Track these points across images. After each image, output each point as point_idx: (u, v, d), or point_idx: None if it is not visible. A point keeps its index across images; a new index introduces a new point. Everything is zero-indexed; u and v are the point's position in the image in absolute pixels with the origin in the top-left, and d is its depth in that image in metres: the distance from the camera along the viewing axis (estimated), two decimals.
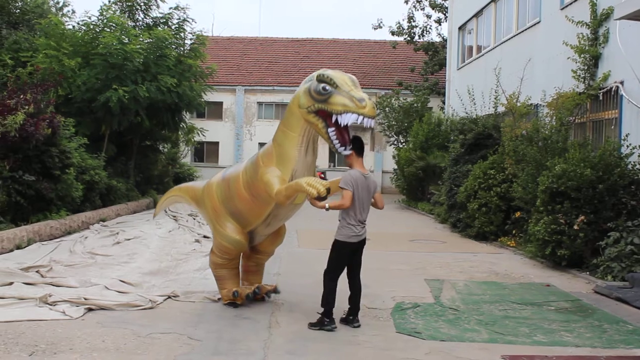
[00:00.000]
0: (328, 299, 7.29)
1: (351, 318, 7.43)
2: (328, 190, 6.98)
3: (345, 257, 7.37)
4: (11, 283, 8.92)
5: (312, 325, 7.30)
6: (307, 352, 6.46)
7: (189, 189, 9.31)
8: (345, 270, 7.49)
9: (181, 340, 6.73)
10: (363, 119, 6.83)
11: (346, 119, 6.91)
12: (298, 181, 7.11)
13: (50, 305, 7.88)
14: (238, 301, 8.23)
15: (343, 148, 7.21)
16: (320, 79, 7.07)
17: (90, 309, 7.83)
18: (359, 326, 7.33)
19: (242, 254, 8.51)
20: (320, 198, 6.98)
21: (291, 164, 7.41)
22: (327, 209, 7.16)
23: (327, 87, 7.01)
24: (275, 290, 8.75)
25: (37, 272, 9.80)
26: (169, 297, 8.62)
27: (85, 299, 8.08)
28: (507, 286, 10.13)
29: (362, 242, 7.44)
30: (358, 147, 7.34)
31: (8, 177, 13.11)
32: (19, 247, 12.16)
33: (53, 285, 9.01)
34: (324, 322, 7.26)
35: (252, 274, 8.71)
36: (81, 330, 6.98)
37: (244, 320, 7.60)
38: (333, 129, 7.09)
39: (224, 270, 8.34)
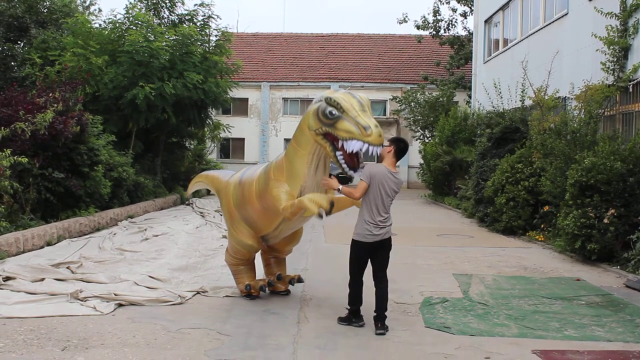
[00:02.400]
0: (353, 299, 7.21)
1: (375, 324, 7.02)
2: (332, 205, 6.99)
3: (363, 256, 7.13)
4: (43, 279, 9.03)
5: (341, 320, 7.28)
6: (337, 347, 6.46)
7: (214, 179, 9.37)
8: (371, 272, 7.26)
9: (211, 335, 6.77)
10: (368, 146, 6.71)
11: (351, 146, 6.80)
12: (302, 198, 7.09)
13: (81, 300, 7.97)
14: (253, 293, 8.41)
15: (353, 171, 7.12)
16: (328, 102, 6.94)
17: (120, 305, 7.92)
18: (382, 334, 6.90)
19: (262, 248, 8.75)
20: (326, 213, 6.96)
21: (300, 181, 7.36)
22: (339, 190, 7.09)
23: (334, 112, 6.89)
24: (299, 280, 8.82)
25: (67, 268, 9.93)
26: (198, 292, 8.69)
27: (116, 294, 8.15)
28: (536, 281, 10.04)
29: (383, 243, 7.08)
30: (400, 151, 7.14)
31: (38, 174, 13.26)
32: (49, 244, 12.31)
33: (83, 281, 9.12)
34: (352, 319, 7.22)
35: (273, 266, 8.88)
36: (112, 325, 7.05)
37: (272, 316, 7.62)
38: (341, 152, 6.99)
39: (239, 266, 8.58)
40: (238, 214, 8.34)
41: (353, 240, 7.11)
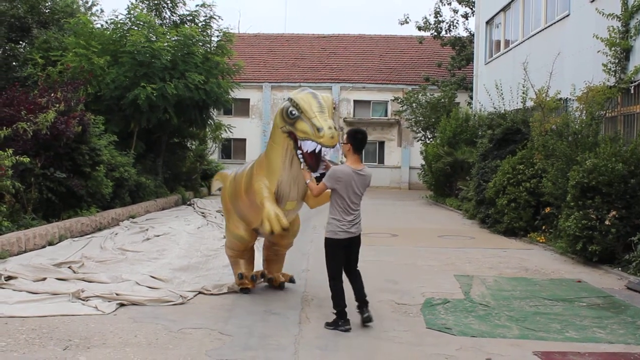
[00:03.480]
0: (336, 301, 7.16)
1: (361, 309, 7.18)
2: (285, 229, 7.49)
3: (338, 254, 7.18)
4: (44, 279, 9.04)
5: (327, 325, 7.18)
6: (338, 348, 6.46)
7: (224, 176, 9.70)
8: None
9: (212, 335, 6.77)
10: (322, 147, 7.04)
11: (306, 146, 7.20)
12: (265, 209, 7.48)
13: (83, 300, 7.97)
14: (246, 283, 8.73)
15: (312, 170, 7.42)
16: (290, 102, 7.36)
17: (122, 304, 7.91)
18: (369, 318, 7.09)
19: (264, 243, 9.16)
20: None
21: (276, 175, 7.78)
22: (306, 183, 7.42)
23: (294, 112, 7.30)
24: (291, 280, 9.18)
25: (69, 267, 9.93)
26: (200, 292, 8.69)
27: (117, 294, 8.16)
28: (537, 282, 10.04)
29: (354, 240, 7.23)
30: (358, 143, 7.21)
31: (40, 174, 13.27)
32: (50, 244, 12.31)
33: (85, 280, 9.12)
34: (338, 323, 7.13)
35: (272, 262, 9.15)
36: (113, 325, 7.06)
37: (273, 316, 7.63)
38: (301, 151, 7.34)
39: (237, 258, 8.94)
40: (232, 207, 8.76)
41: (326, 238, 7.21)
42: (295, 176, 7.76)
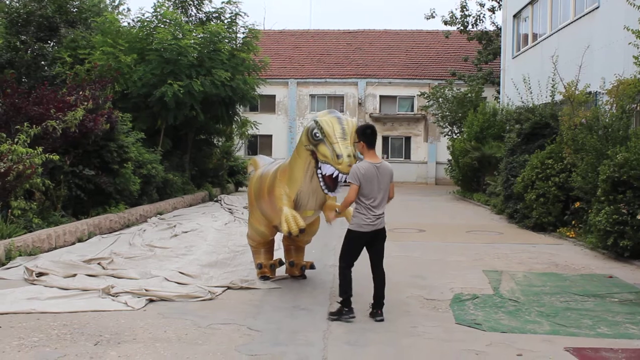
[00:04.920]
0: (344, 288, 7.28)
1: (374, 311, 7.29)
2: (302, 230, 7.81)
3: (358, 247, 7.35)
4: (74, 275, 9.14)
5: (331, 315, 7.31)
6: (367, 343, 6.44)
7: (256, 163, 10.03)
8: (369, 262, 7.48)
9: (241, 330, 6.78)
10: (339, 173, 7.36)
11: (325, 169, 7.53)
12: (283, 212, 7.93)
13: (113, 296, 8.03)
14: (266, 272, 9.22)
15: (329, 191, 7.71)
16: (315, 124, 7.62)
17: (151, 300, 7.96)
18: (381, 320, 7.16)
19: (283, 235, 9.29)
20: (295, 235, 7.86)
21: (297, 185, 8.15)
22: (337, 212, 7.71)
23: (318, 134, 7.58)
24: (311, 266, 9.51)
25: (98, 264, 10.02)
26: (228, 287, 8.72)
27: (146, 290, 8.21)
28: (567, 277, 9.92)
29: (379, 233, 7.30)
30: (368, 138, 7.28)
31: (69, 171, 13.43)
32: (80, 240, 12.45)
33: (114, 277, 9.20)
34: (343, 311, 7.24)
35: (292, 253, 9.52)
36: (143, 320, 7.10)
37: (302, 311, 7.63)
38: (321, 172, 7.60)
39: (258, 247, 9.47)
40: (255, 203, 9.14)
41: (349, 230, 7.32)
42: (315, 188, 8.05)
